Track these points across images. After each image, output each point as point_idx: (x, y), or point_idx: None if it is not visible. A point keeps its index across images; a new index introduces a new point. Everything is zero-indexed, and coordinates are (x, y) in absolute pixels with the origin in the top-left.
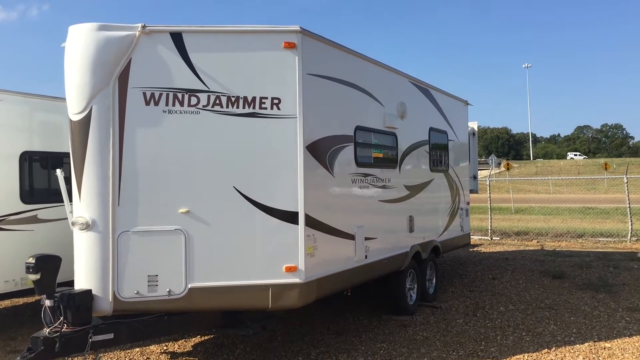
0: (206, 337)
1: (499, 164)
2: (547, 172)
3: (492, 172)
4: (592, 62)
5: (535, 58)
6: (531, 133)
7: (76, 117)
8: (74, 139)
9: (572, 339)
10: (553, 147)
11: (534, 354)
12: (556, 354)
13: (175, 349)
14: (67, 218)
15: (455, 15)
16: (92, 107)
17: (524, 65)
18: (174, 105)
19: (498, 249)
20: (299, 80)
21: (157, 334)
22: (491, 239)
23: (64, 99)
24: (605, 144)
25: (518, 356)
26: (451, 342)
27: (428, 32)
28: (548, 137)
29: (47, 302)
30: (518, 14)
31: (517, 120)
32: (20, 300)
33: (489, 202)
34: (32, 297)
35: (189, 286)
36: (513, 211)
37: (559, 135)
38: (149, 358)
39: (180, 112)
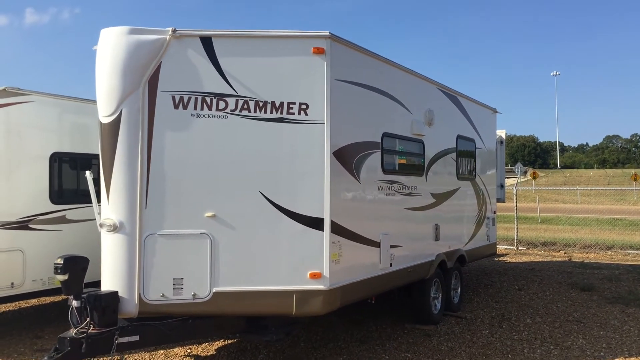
0: (229, 341)
1: (525, 172)
2: (575, 182)
3: (519, 180)
4: (622, 70)
5: (565, 66)
6: (559, 142)
7: (106, 120)
8: (103, 141)
9: (601, 353)
10: (581, 157)
11: None
12: None
13: (199, 352)
14: (94, 219)
15: (483, 22)
16: (122, 109)
17: (552, 73)
18: (202, 109)
19: (524, 259)
20: (327, 86)
21: (182, 338)
22: (517, 248)
23: (94, 101)
24: (635, 154)
25: None
26: (477, 354)
27: (454, 39)
28: (576, 146)
29: (74, 303)
30: (547, 21)
31: (545, 128)
32: (47, 299)
33: (515, 211)
34: (59, 297)
35: (214, 290)
36: (539, 221)
37: (587, 144)
38: None
39: (209, 116)
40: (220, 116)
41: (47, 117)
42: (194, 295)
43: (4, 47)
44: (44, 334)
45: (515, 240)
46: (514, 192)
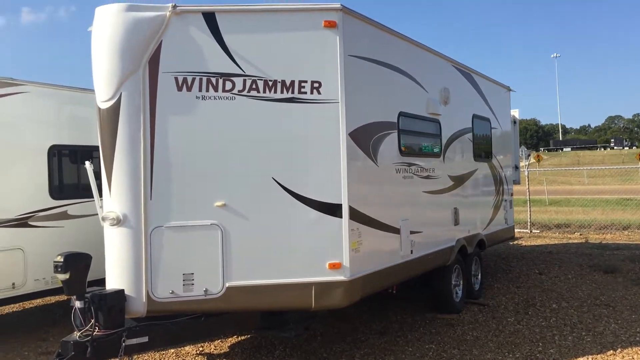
0: (243, 338)
1: (529, 155)
2: (580, 163)
3: (524, 163)
4: (623, 51)
5: (565, 48)
6: (561, 124)
7: (105, 105)
8: (102, 128)
9: (637, 338)
10: (584, 138)
11: (599, 355)
12: (623, 356)
13: (212, 350)
14: (97, 214)
15: (482, 5)
16: (121, 93)
17: (552, 55)
18: (207, 90)
19: (539, 242)
20: (341, 62)
21: (194, 337)
22: (531, 231)
23: (93, 91)
24: (637, 134)
25: (581, 358)
26: (505, 343)
27: (456, 22)
28: (578, 127)
29: (77, 304)
30: (547, 3)
31: (546, 111)
32: (52, 299)
33: (527, 193)
34: (64, 296)
35: (227, 285)
36: (547, 203)
37: (589, 125)
38: None
39: (215, 98)
40: (227, 97)
41: (43, 108)
42: (205, 291)
43: (3, 47)
44: (48, 336)
45: (529, 223)
46: (526, 173)
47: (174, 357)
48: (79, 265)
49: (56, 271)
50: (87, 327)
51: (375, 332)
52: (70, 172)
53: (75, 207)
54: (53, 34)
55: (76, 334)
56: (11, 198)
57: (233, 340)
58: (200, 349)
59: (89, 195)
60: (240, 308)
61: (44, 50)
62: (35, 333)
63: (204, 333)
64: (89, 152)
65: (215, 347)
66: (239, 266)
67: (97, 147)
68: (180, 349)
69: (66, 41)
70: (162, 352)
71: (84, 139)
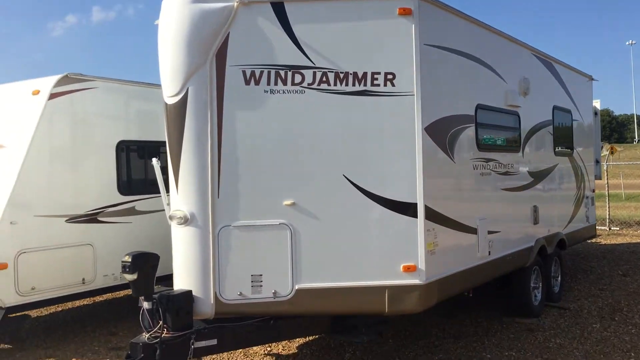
0: (312, 338)
1: (601, 147)
2: None
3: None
4: None
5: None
6: (636, 114)
7: (171, 100)
8: (169, 124)
9: None
10: None
11: None
12: None
13: (280, 350)
14: (164, 210)
15: None
16: (188, 88)
17: (627, 43)
18: (276, 84)
19: (620, 240)
20: (416, 52)
21: (263, 340)
22: (609, 229)
23: (159, 86)
24: None
25: None
26: (593, 352)
27: (526, 7)
28: None
29: (145, 305)
30: None
31: (620, 101)
32: (121, 293)
33: (606, 188)
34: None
35: (296, 287)
36: (624, 198)
37: None
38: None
39: (284, 92)
40: (296, 91)
41: (112, 104)
42: (274, 293)
43: (75, 45)
44: (117, 331)
45: (607, 220)
46: (605, 167)
47: (242, 357)
48: (146, 266)
49: (124, 271)
50: (155, 329)
51: (450, 336)
52: (138, 167)
53: (142, 202)
54: (122, 31)
55: (145, 336)
56: (81, 194)
57: (301, 340)
58: (269, 349)
59: (156, 190)
60: (309, 311)
61: (113, 47)
62: (105, 327)
63: (273, 336)
64: (157, 148)
65: (283, 347)
66: (308, 268)
67: (164, 142)
68: (248, 348)
69: (135, 38)
70: (230, 352)
71: (151, 135)
